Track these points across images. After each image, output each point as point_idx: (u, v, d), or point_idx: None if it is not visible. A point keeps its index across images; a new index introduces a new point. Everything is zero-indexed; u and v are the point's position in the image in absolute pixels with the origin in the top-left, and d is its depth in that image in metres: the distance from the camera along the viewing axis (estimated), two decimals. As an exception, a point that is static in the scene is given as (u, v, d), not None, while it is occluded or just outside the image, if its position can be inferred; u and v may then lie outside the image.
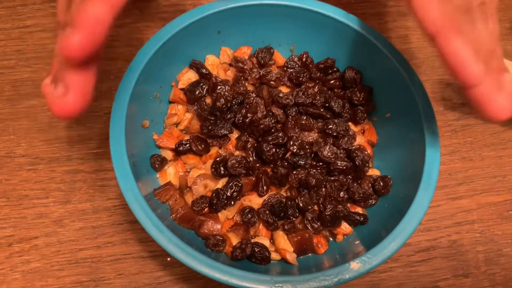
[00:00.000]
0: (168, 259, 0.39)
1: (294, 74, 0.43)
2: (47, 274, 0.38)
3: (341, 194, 0.39)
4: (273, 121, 0.39)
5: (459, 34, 0.25)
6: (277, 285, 0.29)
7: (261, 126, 0.39)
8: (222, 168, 0.38)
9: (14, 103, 0.45)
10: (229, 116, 0.40)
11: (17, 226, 0.40)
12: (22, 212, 0.40)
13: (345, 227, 0.38)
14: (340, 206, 0.37)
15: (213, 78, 0.42)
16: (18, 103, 0.45)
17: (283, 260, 0.37)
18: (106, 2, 0.24)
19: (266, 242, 0.37)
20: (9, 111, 0.45)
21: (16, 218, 0.40)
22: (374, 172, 0.41)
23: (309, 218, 0.37)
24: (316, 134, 0.41)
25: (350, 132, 0.41)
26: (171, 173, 0.39)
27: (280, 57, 0.45)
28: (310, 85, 0.44)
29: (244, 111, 0.40)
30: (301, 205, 0.37)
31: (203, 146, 0.39)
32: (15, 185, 0.41)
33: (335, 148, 0.39)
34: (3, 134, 0.43)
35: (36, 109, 0.45)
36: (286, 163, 0.39)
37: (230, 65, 0.45)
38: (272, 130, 0.39)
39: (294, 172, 0.38)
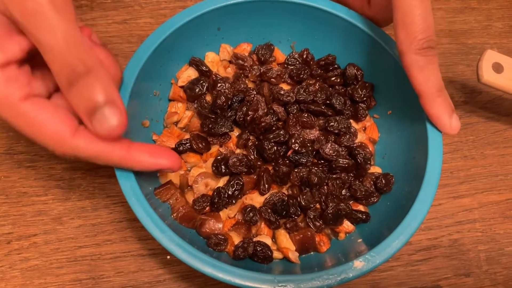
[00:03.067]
0: (168, 257, 0.39)
1: (294, 71, 0.43)
2: (46, 272, 0.38)
3: (343, 192, 0.38)
4: (274, 119, 0.39)
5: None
6: (280, 285, 0.29)
7: (262, 124, 0.38)
8: (223, 167, 0.38)
9: (13, 100, 0.44)
10: (229, 114, 0.40)
11: (16, 224, 0.40)
12: (21, 210, 0.40)
13: (347, 225, 0.38)
14: (342, 204, 0.37)
15: (213, 76, 0.41)
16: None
17: (285, 259, 0.36)
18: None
19: (268, 241, 0.36)
20: (8, 108, 0.44)
21: (15, 216, 0.40)
22: (376, 169, 0.41)
23: (311, 216, 0.37)
24: (318, 132, 0.40)
25: (352, 130, 0.41)
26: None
27: (280, 54, 0.45)
28: (311, 82, 0.43)
29: (245, 108, 0.39)
30: (303, 203, 0.37)
31: (203, 144, 0.39)
32: (14, 182, 0.41)
33: (336, 145, 0.39)
34: (2, 131, 0.43)
35: (35, 106, 0.44)
36: (287, 161, 0.38)
37: (230, 62, 0.44)
38: (273, 128, 0.39)
39: (296, 170, 0.38)
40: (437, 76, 0.34)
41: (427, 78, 0.34)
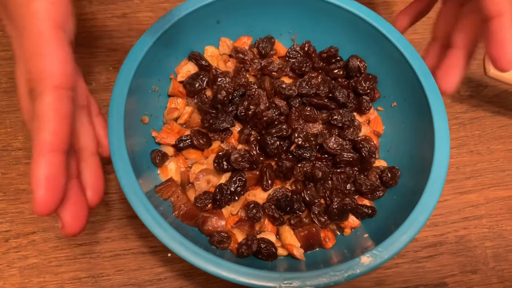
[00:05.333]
0: (169, 254, 0.38)
1: (296, 64, 0.42)
2: (45, 270, 0.37)
3: (348, 186, 0.38)
4: (276, 113, 0.38)
5: None
6: (285, 282, 0.29)
7: (264, 118, 0.38)
8: (225, 163, 0.37)
9: (11, 95, 0.44)
10: (230, 108, 0.39)
11: (14, 221, 0.39)
12: (19, 207, 0.39)
13: (352, 220, 0.37)
14: (347, 198, 0.36)
15: (213, 70, 0.41)
16: (15, 95, 0.43)
17: (290, 255, 0.36)
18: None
19: (272, 238, 0.36)
20: (6, 104, 0.43)
21: (13, 213, 0.39)
22: (381, 163, 0.40)
23: (316, 212, 0.36)
24: (321, 126, 0.40)
25: (356, 123, 0.40)
26: (172, 169, 0.38)
27: (281, 47, 0.44)
28: (313, 75, 0.43)
29: (246, 103, 0.39)
30: (307, 198, 0.36)
31: (204, 140, 0.38)
32: (12, 179, 0.40)
33: (340, 139, 0.38)
34: (-1, 127, 0.42)
35: (33, 102, 0.44)
36: (290, 156, 0.38)
37: (230, 56, 0.44)
38: (276, 122, 0.38)
39: (299, 165, 0.37)
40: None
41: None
